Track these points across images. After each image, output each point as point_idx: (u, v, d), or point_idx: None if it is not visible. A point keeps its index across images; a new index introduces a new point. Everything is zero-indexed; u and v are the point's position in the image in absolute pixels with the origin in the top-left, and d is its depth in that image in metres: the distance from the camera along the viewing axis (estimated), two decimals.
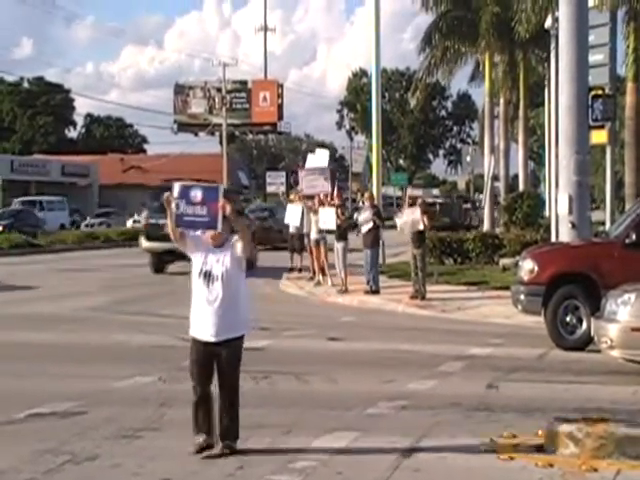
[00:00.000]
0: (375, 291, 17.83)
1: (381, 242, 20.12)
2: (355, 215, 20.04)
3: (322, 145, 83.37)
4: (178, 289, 19.90)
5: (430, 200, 54.56)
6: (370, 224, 17.97)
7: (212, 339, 6.61)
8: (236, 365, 6.70)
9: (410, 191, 48.19)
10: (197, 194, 6.47)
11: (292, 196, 23.07)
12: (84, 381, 9.48)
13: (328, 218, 18.93)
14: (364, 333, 13.48)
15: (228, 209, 6.41)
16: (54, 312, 15.64)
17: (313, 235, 19.75)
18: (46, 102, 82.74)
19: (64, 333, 13.12)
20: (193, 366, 6.75)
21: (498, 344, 12.27)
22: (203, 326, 6.64)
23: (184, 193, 6.50)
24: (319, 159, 20.78)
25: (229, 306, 6.58)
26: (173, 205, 6.49)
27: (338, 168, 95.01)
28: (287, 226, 23.26)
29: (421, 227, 17.23)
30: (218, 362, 6.63)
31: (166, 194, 6.58)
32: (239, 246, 6.52)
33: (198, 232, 6.61)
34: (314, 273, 20.67)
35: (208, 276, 6.56)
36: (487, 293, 17.52)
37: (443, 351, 11.52)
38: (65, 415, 7.95)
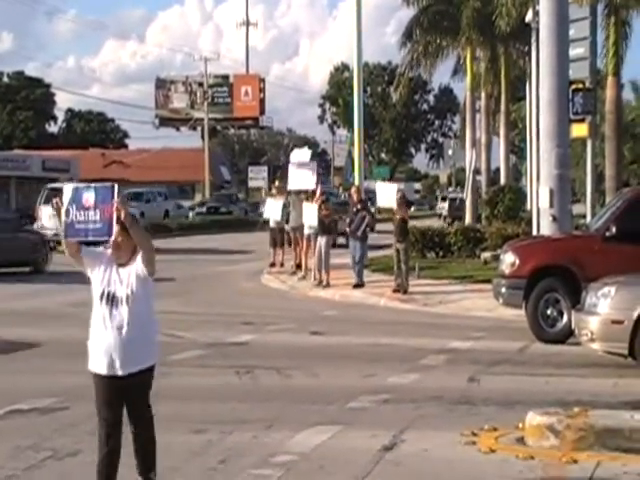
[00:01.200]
0: (359, 284, 17.84)
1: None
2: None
3: (306, 141, 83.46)
4: (161, 284, 19.84)
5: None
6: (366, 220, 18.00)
7: (118, 372, 5.46)
8: (147, 399, 5.61)
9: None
10: (89, 196, 5.43)
11: (273, 190, 23.06)
12: (66, 377, 9.43)
13: (310, 214, 19.02)
14: (346, 327, 13.51)
15: (123, 213, 5.28)
16: (38, 307, 15.57)
17: (306, 230, 19.64)
18: (26, 97, 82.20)
19: (47, 329, 13.06)
20: (98, 409, 5.56)
21: (480, 337, 12.33)
22: (106, 358, 5.47)
23: (76, 197, 5.45)
24: (302, 157, 20.87)
25: (137, 333, 5.50)
26: (63, 212, 5.42)
27: (320, 162, 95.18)
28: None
29: (393, 204, 17.67)
30: (127, 399, 5.52)
31: (54, 200, 5.53)
32: (141, 261, 5.49)
33: (100, 248, 5.67)
34: (298, 267, 20.69)
35: (111, 299, 5.50)
36: (469, 287, 17.61)
37: (425, 345, 11.56)
38: (46, 411, 7.92)
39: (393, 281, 17.36)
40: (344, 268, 20.81)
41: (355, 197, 18.77)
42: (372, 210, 18.51)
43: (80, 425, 7.41)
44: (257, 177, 58.96)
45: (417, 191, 80.00)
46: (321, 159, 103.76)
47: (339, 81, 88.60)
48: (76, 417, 7.68)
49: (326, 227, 18.72)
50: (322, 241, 18.58)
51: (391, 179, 79.32)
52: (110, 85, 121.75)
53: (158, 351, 5.66)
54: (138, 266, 5.49)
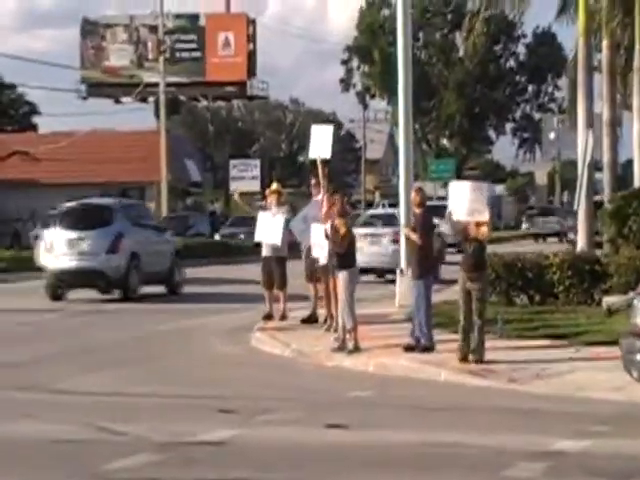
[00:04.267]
0: (427, 348, 17.98)
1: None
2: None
3: (322, 119, 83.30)
4: (96, 351, 19.84)
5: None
6: None
7: None
8: None
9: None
10: None
11: (269, 198, 23.17)
12: None
13: (318, 239, 19.73)
14: (385, 417, 13.52)
15: None
16: None
17: (323, 259, 20.06)
18: None
19: None
20: None
21: (601, 433, 12.31)
22: None
23: None
24: (320, 139, 21.32)
25: None
26: None
27: (341, 153, 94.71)
28: None
29: (485, 217, 17.55)
30: None
31: None
32: None
33: None
34: (312, 317, 21.43)
35: None
36: (583, 351, 17.62)
37: (512, 445, 11.55)
38: None
39: (460, 342, 17.36)
40: (383, 321, 20.81)
41: (415, 201, 18.91)
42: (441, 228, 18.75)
43: None
44: (244, 176, 59.19)
45: (500, 198, 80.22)
46: (345, 147, 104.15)
47: (373, 23, 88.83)
48: None
49: (344, 258, 18.82)
50: (340, 278, 18.77)
51: (459, 178, 79.52)
52: (9, 31, 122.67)
53: None
54: None
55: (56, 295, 29.99)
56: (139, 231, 31.33)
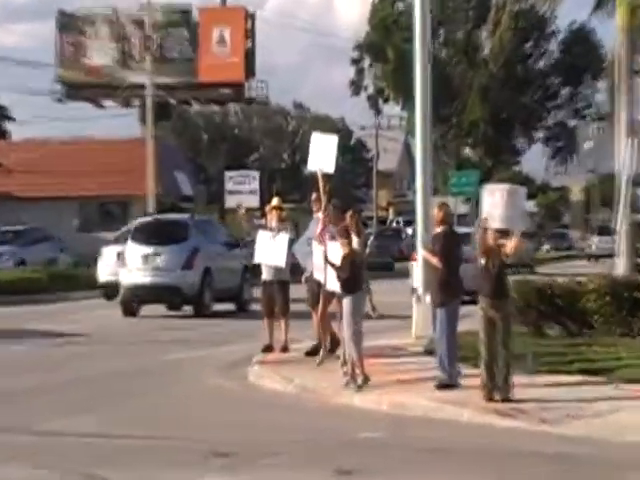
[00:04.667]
0: (447, 385, 17.81)
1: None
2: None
3: (329, 126, 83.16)
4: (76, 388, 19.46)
5: None
6: None
7: None
8: None
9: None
10: None
11: (269, 215, 23.18)
12: None
13: (319, 260, 19.71)
14: (399, 461, 13.43)
15: None
16: None
17: (329, 285, 19.85)
18: None
19: None
20: None
21: None
22: None
23: None
24: (323, 150, 21.21)
25: None
26: None
27: (350, 163, 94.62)
28: None
29: (522, 226, 17.63)
30: None
31: None
32: None
33: None
34: (317, 349, 21.18)
35: None
36: (624, 389, 17.52)
37: None
38: None
39: (484, 379, 17.14)
40: (398, 354, 20.62)
41: (438, 217, 18.74)
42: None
43: None
44: (240, 189, 58.65)
45: (532, 214, 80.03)
46: (355, 158, 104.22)
47: (387, 18, 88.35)
48: None
49: (350, 280, 18.65)
50: (345, 305, 18.65)
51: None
52: None
53: None
54: None
55: (130, 310, 32.18)
56: (212, 247, 34.25)
